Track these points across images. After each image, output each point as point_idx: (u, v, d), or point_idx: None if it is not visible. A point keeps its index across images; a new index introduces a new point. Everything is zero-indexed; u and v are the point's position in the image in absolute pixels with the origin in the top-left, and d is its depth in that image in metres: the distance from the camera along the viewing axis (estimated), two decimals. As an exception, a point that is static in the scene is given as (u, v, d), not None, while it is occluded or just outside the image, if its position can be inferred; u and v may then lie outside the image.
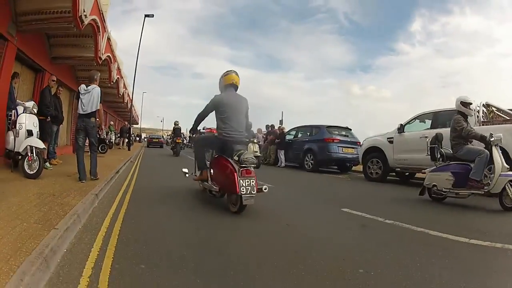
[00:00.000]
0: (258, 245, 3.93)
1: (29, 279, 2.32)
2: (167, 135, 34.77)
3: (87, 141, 7.75)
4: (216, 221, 5.02)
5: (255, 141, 15.69)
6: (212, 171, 6.08)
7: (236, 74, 6.09)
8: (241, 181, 5.11)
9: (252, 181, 5.18)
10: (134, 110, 38.62)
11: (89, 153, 7.64)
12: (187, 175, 7.10)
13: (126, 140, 27.59)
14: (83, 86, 7.45)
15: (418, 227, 4.76)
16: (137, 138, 51.06)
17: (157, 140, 41.33)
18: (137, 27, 26.35)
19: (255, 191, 5.17)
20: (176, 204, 6.12)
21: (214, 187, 5.88)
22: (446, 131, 9.16)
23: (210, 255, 3.41)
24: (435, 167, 7.20)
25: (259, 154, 15.36)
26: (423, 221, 5.22)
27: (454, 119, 7.11)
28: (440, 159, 7.15)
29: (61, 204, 4.75)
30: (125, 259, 3.13)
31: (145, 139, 52.34)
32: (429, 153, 7.30)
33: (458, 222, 5.59)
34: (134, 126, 50.00)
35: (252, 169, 5.37)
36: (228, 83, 6.03)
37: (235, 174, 5.19)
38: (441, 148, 7.26)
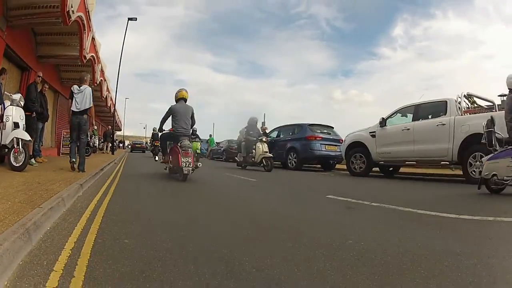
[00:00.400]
0: (243, 224, 3.93)
1: (9, 245, 2.27)
2: (149, 142, 36.17)
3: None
4: (199, 204, 5.21)
5: (264, 139, 14.40)
6: (170, 156, 8.86)
7: (186, 91, 9.08)
8: (182, 158, 7.87)
9: (189, 159, 7.92)
10: (117, 116, 38.40)
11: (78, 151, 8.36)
12: (157, 160, 12.10)
13: (110, 144, 27.36)
14: (75, 86, 8.31)
15: (405, 208, 4.77)
16: (120, 145, 52.57)
17: (140, 145, 47.32)
18: (120, 35, 26.10)
19: (191, 165, 7.92)
20: (157, 189, 6.82)
21: (170, 165, 8.88)
22: (427, 122, 9.47)
23: (197, 234, 3.40)
24: (492, 154, 6.25)
25: (270, 155, 14.04)
26: (410, 202, 5.18)
27: (510, 98, 6.40)
28: (497, 145, 6.24)
29: (46, 190, 4.71)
30: (109, 236, 3.11)
31: (129, 146, 57.02)
32: (486, 139, 6.37)
33: (446, 203, 5.61)
34: (117, 132, 49.97)
35: (190, 151, 8.08)
36: (180, 97, 8.95)
37: (179, 154, 7.95)
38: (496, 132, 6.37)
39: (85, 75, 8.76)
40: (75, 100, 8.15)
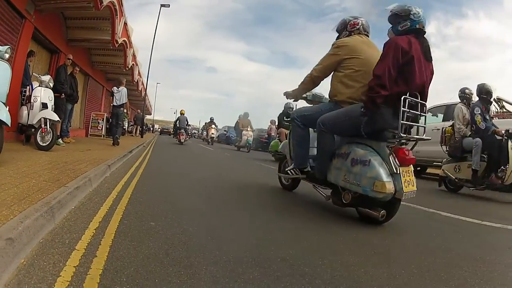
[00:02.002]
0: (270, 213, 3.86)
1: (30, 222, 2.18)
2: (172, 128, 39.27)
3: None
4: (227, 191, 5.13)
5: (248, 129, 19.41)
6: (177, 136, 21.33)
7: (183, 110, 22.01)
8: (180, 136, 20.53)
9: (183, 137, 20.43)
10: (148, 100, 38.74)
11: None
12: (172, 137, 29.97)
13: (140, 128, 27.55)
14: (115, 87, 12.13)
15: (429, 208, 4.73)
16: (151, 128, 59.83)
17: (167, 130, 57.22)
18: (153, 22, 25.82)
19: (183, 140, 20.51)
20: (185, 176, 6.41)
21: (177, 138, 21.07)
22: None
23: (224, 220, 3.38)
24: None
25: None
26: (434, 204, 5.13)
27: None
28: None
29: (73, 169, 4.66)
30: (134, 217, 3.04)
31: (158, 130, 67.82)
32: None
33: (470, 207, 5.46)
34: (147, 117, 51.66)
35: (184, 133, 20.57)
36: (181, 113, 21.61)
37: (179, 135, 20.63)
38: None
39: (122, 78, 12.73)
40: (115, 97, 11.93)
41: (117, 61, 15.69)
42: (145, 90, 27.19)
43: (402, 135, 3.43)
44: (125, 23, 12.86)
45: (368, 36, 4.24)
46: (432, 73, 3.74)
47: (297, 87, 4.55)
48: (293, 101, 4.97)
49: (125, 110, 12.99)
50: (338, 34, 4.38)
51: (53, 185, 3.43)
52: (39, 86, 7.43)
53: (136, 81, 20.84)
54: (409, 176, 3.51)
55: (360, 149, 3.65)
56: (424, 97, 3.69)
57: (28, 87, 7.91)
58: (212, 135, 24.85)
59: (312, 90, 4.78)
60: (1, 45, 4.65)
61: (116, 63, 16.08)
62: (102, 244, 2.28)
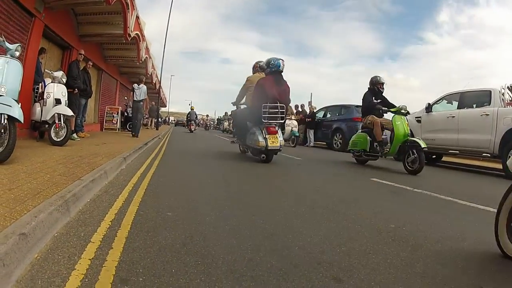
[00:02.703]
0: (288, 201, 3.85)
1: (45, 216, 2.14)
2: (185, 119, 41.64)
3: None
4: (243, 180, 5.15)
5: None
6: (189, 126, 27.77)
7: (194, 107, 29.77)
8: (191, 127, 26.82)
9: (194, 127, 27.03)
10: (162, 92, 38.91)
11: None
12: (186, 128, 36.31)
13: (155, 120, 27.73)
14: (135, 84, 13.53)
15: (446, 197, 4.64)
16: (167, 120, 63.25)
17: (182, 122, 62.50)
18: (165, 15, 26.02)
19: (194, 129, 26.69)
20: (202, 166, 6.30)
21: (189, 128, 27.89)
22: (472, 112, 8.95)
23: (241, 209, 3.34)
24: None
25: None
26: (450, 192, 5.04)
27: None
28: None
29: (88, 163, 4.65)
30: (151, 208, 3.01)
31: (173, 122, 74.16)
32: None
33: (485, 196, 5.23)
34: (162, 109, 52.06)
35: (194, 124, 27.42)
36: (191, 109, 28.98)
37: (190, 125, 27.23)
38: None
39: (142, 77, 14.20)
40: (135, 93, 13.41)
41: (130, 54, 15.66)
42: (159, 82, 27.32)
43: (264, 121, 7.07)
44: (137, 17, 12.77)
45: (264, 71, 7.67)
46: (285, 89, 7.38)
47: (235, 99, 8.59)
48: (236, 106, 8.68)
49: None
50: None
51: (68, 179, 3.42)
52: (51, 82, 7.43)
53: (150, 73, 20.78)
54: (274, 139, 7.04)
55: (253, 127, 7.37)
56: (283, 102, 7.21)
57: (40, 84, 7.91)
58: None
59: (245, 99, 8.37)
60: (11, 44, 4.62)
61: (129, 57, 16.06)
62: (118, 236, 2.25)
